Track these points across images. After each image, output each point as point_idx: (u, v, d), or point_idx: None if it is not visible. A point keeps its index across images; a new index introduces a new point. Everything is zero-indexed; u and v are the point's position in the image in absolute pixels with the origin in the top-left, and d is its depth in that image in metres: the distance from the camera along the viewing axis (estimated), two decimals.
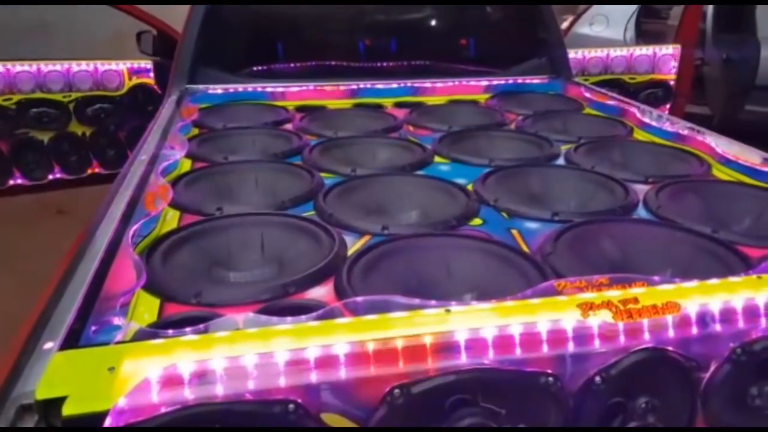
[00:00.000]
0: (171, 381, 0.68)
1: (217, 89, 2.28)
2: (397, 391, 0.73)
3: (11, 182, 2.99)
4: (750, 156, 1.58)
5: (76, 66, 3.04)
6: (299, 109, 2.20)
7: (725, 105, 4.68)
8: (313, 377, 0.71)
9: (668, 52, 3.54)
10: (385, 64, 2.61)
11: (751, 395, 0.86)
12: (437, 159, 1.69)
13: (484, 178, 1.48)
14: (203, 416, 0.68)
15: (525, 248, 1.16)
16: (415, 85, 2.39)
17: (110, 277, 0.94)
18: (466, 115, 2.13)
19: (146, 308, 0.93)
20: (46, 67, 2.99)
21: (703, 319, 0.85)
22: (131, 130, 3.00)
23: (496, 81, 2.46)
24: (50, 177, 3.04)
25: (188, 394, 0.68)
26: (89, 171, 3.09)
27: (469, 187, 1.44)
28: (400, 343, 0.75)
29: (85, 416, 0.65)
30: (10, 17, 4.85)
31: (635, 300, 0.84)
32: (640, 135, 1.96)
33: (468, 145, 1.78)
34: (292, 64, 2.61)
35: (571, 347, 0.79)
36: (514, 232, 1.24)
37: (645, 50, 3.61)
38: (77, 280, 0.90)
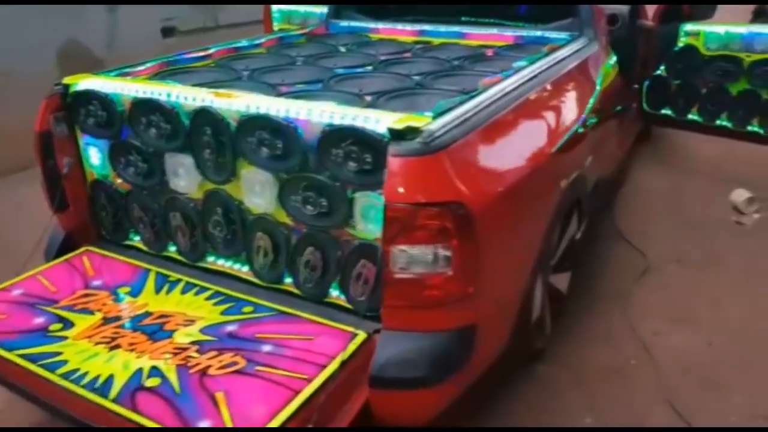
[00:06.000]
0: None
1: (342, 23, 3.60)
2: None
3: None
4: None
5: None
6: (380, 39, 3.33)
7: None
8: None
9: None
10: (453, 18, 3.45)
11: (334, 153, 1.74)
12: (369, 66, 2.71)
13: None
14: None
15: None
16: (463, 31, 3.25)
17: None
18: (457, 51, 2.95)
19: None
20: None
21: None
22: None
23: (524, 33, 3.12)
24: None
25: None
26: None
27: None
28: None
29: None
30: None
31: None
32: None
33: (394, 66, 2.69)
34: (394, 12, 3.68)
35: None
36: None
37: None
38: None
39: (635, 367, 2.42)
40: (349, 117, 1.74)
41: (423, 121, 1.66)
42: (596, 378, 2.36)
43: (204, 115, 1.94)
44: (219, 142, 1.95)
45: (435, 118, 1.70)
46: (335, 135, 1.73)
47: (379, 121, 1.68)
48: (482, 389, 2.02)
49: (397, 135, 1.61)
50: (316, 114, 1.78)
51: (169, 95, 2.01)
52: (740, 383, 2.32)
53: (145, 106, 2.05)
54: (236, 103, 1.90)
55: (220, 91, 1.98)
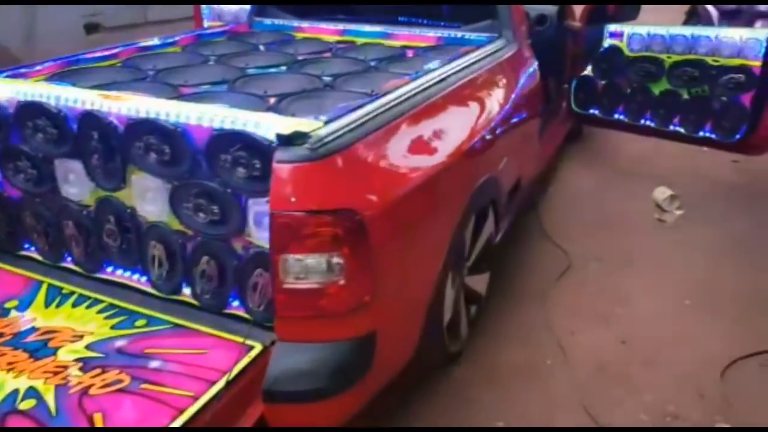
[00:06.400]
0: None
1: (267, 21, 3.51)
2: None
3: None
4: None
5: None
6: (303, 38, 3.26)
7: None
8: None
9: (755, 36, 3.42)
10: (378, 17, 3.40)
11: (223, 159, 1.68)
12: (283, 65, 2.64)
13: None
14: None
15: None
16: (387, 31, 3.20)
17: None
18: (378, 52, 2.91)
19: None
20: None
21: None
22: None
23: (446, 35, 3.10)
24: None
25: None
26: None
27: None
28: None
29: None
30: None
31: None
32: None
33: (309, 66, 2.64)
34: (319, 11, 3.61)
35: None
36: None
37: (731, 33, 3.53)
38: None
39: (550, 367, 2.42)
40: (239, 121, 1.67)
41: (313, 126, 1.61)
42: (511, 379, 2.35)
43: (90, 119, 1.84)
44: (108, 147, 1.85)
45: (327, 122, 1.65)
46: (224, 140, 1.66)
47: (270, 126, 1.61)
48: (394, 394, 1.99)
49: (284, 141, 1.55)
50: (206, 118, 1.70)
51: (56, 98, 1.90)
52: (651, 381, 2.35)
53: (32, 110, 1.93)
54: (124, 105, 1.81)
55: (109, 93, 1.89)
